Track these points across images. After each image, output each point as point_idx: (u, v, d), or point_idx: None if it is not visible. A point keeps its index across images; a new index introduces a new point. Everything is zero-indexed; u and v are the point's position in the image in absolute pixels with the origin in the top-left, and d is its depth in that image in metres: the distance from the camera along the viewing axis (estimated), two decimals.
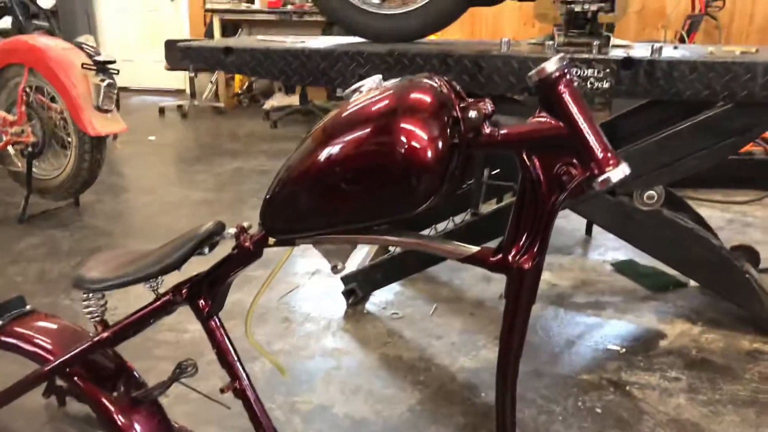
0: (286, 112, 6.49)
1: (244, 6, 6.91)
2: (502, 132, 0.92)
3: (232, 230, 1.15)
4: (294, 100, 6.83)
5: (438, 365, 2.11)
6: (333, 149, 0.94)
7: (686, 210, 2.64)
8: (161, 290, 1.25)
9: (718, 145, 2.07)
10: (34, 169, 3.44)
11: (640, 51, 2.13)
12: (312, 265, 2.89)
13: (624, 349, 2.22)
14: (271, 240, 1.08)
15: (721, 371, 2.08)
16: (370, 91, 0.98)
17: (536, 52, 2.12)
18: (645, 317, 2.46)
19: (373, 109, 0.93)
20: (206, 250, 1.19)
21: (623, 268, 2.90)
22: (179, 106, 6.81)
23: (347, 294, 2.51)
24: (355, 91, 1.02)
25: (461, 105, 0.92)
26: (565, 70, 0.89)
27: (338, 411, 1.86)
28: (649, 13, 6.69)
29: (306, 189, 0.98)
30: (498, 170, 2.61)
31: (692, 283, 2.69)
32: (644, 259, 2.93)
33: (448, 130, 0.90)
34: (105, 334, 1.26)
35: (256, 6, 6.82)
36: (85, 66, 3.16)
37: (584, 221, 3.36)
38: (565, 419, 1.83)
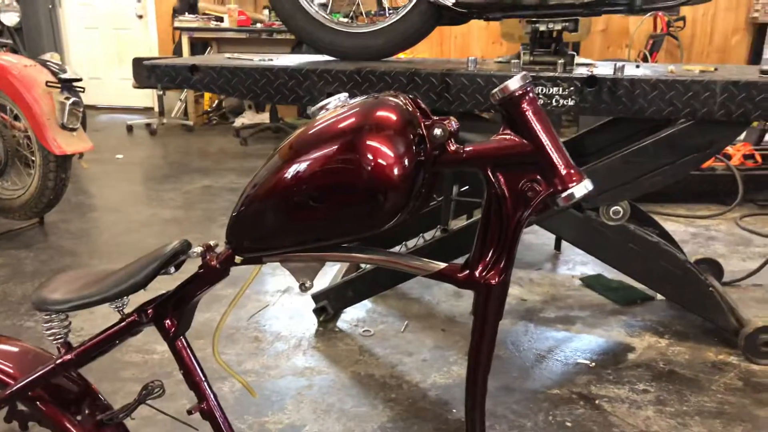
0: (257, 129, 6.48)
1: (213, 24, 6.90)
2: (467, 149, 0.93)
3: (198, 249, 1.14)
4: (264, 117, 6.83)
5: (409, 382, 2.10)
6: (299, 166, 0.94)
7: (652, 224, 2.69)
8: (127, 310, 1.23)
9: (680, 160, 2.11)
10: None
11: (604, 69, 2.18)
12: (282, 283, 2.87)
13: (593, 363, 2.24)
14: (238, 258, 1.07)
15: (688, 383, 2.11)
16: (337, 108, 0.99)
17: (503, 70, 2.15)
18: (614, 331, 2.49)
19: (339, 126, 0.94)
20: (172, 269, 1.17)
21: (592, 282, 2.94)
22: (147, 124, 6.75)
23: (318, 312, 2.50)
24: (321, 108, 1.02)
25: (426, 123, 0.92)
26: (528, 88, 0.90)
27: (310, 430, 1.83)
28: (613, 32, 6.86)
29: (272, 206, 0.98)
30: (467, 187, 2.63)
31: (659, 296, 2.74)
32: (612, 274, 2.98)
33: (414, 148, 0.90)
34: (68, 357, 1.23)
35: (225, 24, 6.82)
36: (49, 84, 3.12)
37: (553, 237, 3.40)
38: None
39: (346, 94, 1.04)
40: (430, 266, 1.01)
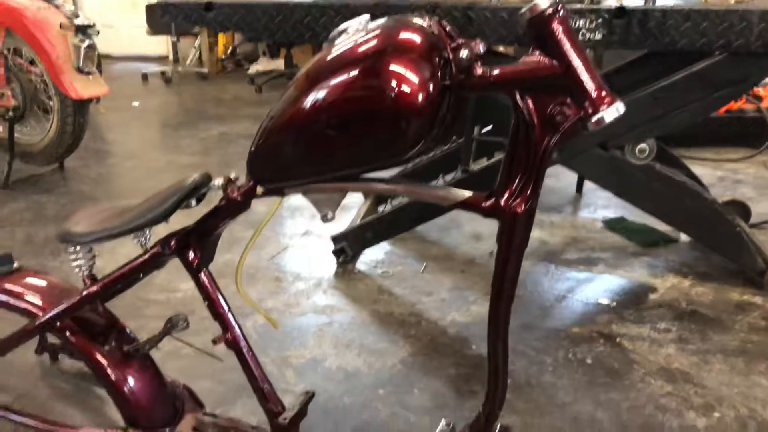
0: (271, 76, 6.40)
1: None
2: (494, 72, 0.89)
3: (219, 181, 1.13)
4: (279, 64, 6.74)
5: (429, 320, 2.11)
6: (318, 95, 0.91)
7: (679, 166, 2.63)
8: (149, 244, 1.24)
9: (711, 96, 2.05)
10: (16, 134, 3.38)
11: (633, 1, 2.10)
12: (301, 225, 2.88)
13: (615, 303, 2.23)
14: (260, 190, 1.06)
15: (711, 323, 2.10)
16: (357, 32, 0.95)
17: (528, 2, 2.07)
18: (636, 272, 2.47)
19: (360, 50, 0.90)
20: (193, 202, 1.17)
21: (614, 225, 2.91)
22: (162, 72, 6.69)
23: (337, 253, 2.50)
24: (340, 33, 0.99)
25: (452, 45, 0.89)
26: (559, 6, 0.86)
27: (331, 364, 1.86)
28: None
29: (292, 137, 0.96)
30: (490, 127, 2.59)
31: (683, 238, 2.70)
32: (635, 216, 2.94)
33: (439, 72, 0.87)
34: (94, 288, 1.24)
35: None
36: (63, 26, 3.08)
37: (575, 180, 3.35)
38: (556, 370, 1.84)
39: (367, 17, 1.00)
40: (454, 195, 0.99)
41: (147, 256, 1.20)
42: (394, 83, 0.86)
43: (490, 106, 2.31)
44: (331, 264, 2.51)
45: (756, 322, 2.10)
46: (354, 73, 0.89)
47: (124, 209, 1.22)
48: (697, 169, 3.19)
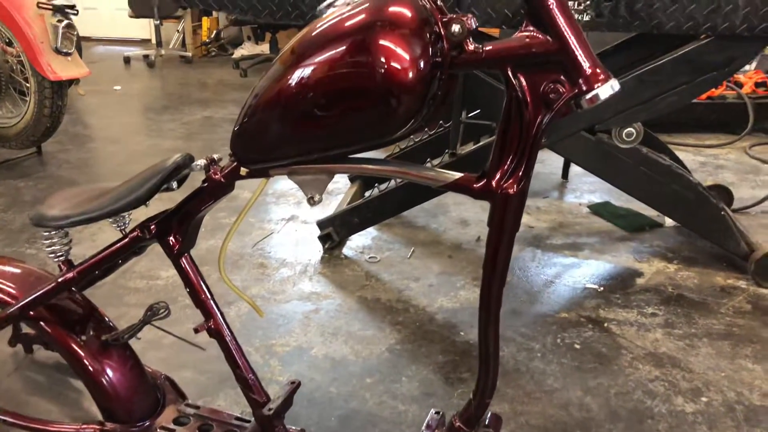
0: (257, 60, 6.33)
1: None
2: (487, 48, 0.86)
3: (201, 162, 1.09)
4: (264, 48, 6.67)
5: (416, 306, 2.09)
6: (304, 71, 0.88)
7: (663, 150, 2.63)
8: (128, 229, 1.20)
9: (698, 79, 2.04)
10: None
11: None
12: (286, 211, 2.84)
13: (602, 288, 2.22)
14: (243, 171, 1.03)
15: (697, 306, 2.10)
16: (345, 5, 0.92)
17: None
18: (622, 257, 2.46)
19: (348, 24, 0.87)
20: (174, 184, 1.13)
21: (599, 210, 2.90)
22: (145, 56, 6.59)
23: (323, 239, 2.47)
24: (328, 5, 0.95)
25: (443, 19, 0.86)
26: None
27: (317, 352, 1.83)
28: None
29: (277, 115, 0.92)
30: (477, 111, 2.56)
31: (668, 223, 2.71)
32: (620, 201, 2.94)
33: (431, 48, 0.84)
34: (69, 275, 1.20)
35: None
36: (41, 5, 3.00)
37: (560, 166, 3.34)
38: (545, 355, 1.83)
39: None
40: (445, 176, 0.96)
41: (126, 240, 1.17)
42: (383, 59, 0.83)
43: (478, 89, 2.28)
44: (317, 250, 2.48)
45: (741, 305, 2.11)
46: (342, 48, 0.86)
47: (102, 191, 1.18)
48: (680, 155, 3.19)
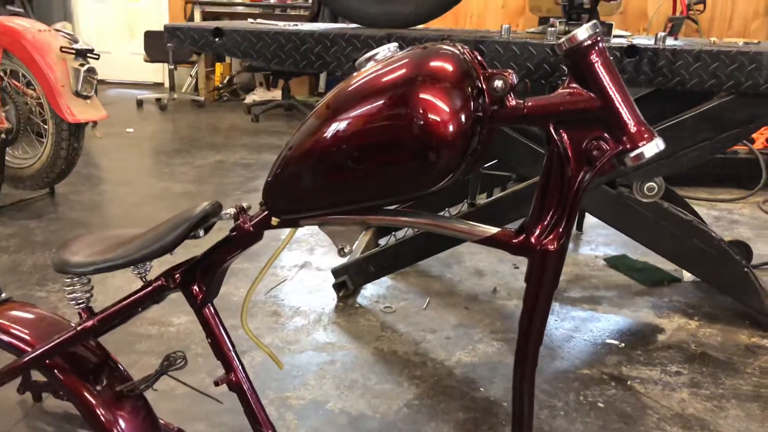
0: (269, 106, 6.39)
1: None
2: (529, 104, 0.85)
3: (231, 210, 1.08)
4: (276, 94, 6.74)
5: (434, 360, 2.04)
6: (341, 123, 0.87)
7: (681, 204, 2.61)
8: (149, 277, 1.17)
9: (720, 136, 2.03)
10: (7, 157, 3.31)
11: (643, 40, 2.09)
12: (299, 258, 2.81)
13: (623, 344, 2.17)
14: (275, 220, 1.01)
15: (722, 366, 2.05)
16: (385, 59, 0.91)
17: (537, 39, 2.06)
18: (641, 312, 2.42)
19: (389, 77, 0.86)
20: (201, 232, 1.11)
21: (616, 263, 2.87)
22: (158, 99, 6.66)
23: (338, 287, 2.44)
24: (368, 59, 0.95)
25: (485, 74, 0.85)
26: (598, 38, 0.83)
27: (333, 407, 1.78)
28: (632, 15, 6.72)
29: (311, 167, 0.91)
30: (494, 161, 2.55)
31: (686, 277, 2.67)
32: (637, 254, 2.90)
33: (472, 102, 0.83)
34: (90, 323, 1.16)
35: None
36: (63, 50, 3.04)
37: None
38: (568, 414, 1.77)
39: (396, 44, 0.96)
40: (481, 231, 0.94)
41: (149, 289, 1.14)
42: (424, 112, 0.82)
43: (497, 140, 2.28)
44: (331, 298, 2.44)
45: (767, 365, 2.05)
46: (382, 100, 0.85)
47: (126, 238, 1.15)
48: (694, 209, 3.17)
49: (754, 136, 4.19)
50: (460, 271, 2.74)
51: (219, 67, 7.15)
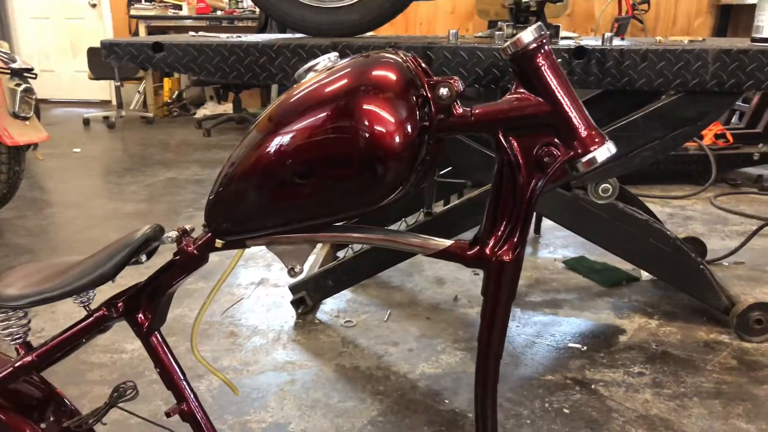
0: (220, 120, 6.29)
1: (170, 12, 6.67)
2: (476, 111, 0.83)
3: (173, 234, 1.02)
4: (227, 108, 6.65)
5: (397, 373, 2.00)
6: (283, 138, 0.83)
7: (636, 204, 2.63)
8: (93, 305, 1.11)
9: (671, 134, 2.05)
10: None
11: (591, 41, 2.10)
12: (256, 275, 2.74)
13: (585, 347, 2.17)
14: (219, 242, 0.95)
15: (683, 364, 2.06)
16: (326, 69, 0.87)
17: (485, 43, 2.05)
18: (602, 313, 2.42)
19: (330, 88, 0.82)
20: (143, 257, 1.05)
21: (575, 265, 2.88)
22: (105, 117, 6.50)
23: (296, 303, 2.38)
24: (308, 70, 0.91)
25: (430, 82, 0.82)
26: (543, 41, 0.81)
27: (295, 428, 1.72)
28: (579, 16, 6.85)
29: (255, 185, 0.86)
30: (449, 168, 2.54)
31: (644, 276, 2.69)
32: (595, 256, 2.92)
33: (418, 112, 0.80)
34: (28, 358, 1.09)
35: (184, 12, 6.59)
36: None
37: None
38: (534, 422, 1.75)
39: (336, 54, 0.93)
40: (434, 244, 0.91)
41: (91, 319, 1.07)
42: (368, 124, 0.79)
43: (449, 147, 2.26)
44: (290, 315, 2.38)
45: (726, 361, 2.07)
46: (324, 112, 0.81)
47: (64, 267, 1.09)
48: (648, 207, 3.22)
49: (702, 132, 4.28)
50: (421, 280, 2.71)
51: (167, 82, 7.01)
